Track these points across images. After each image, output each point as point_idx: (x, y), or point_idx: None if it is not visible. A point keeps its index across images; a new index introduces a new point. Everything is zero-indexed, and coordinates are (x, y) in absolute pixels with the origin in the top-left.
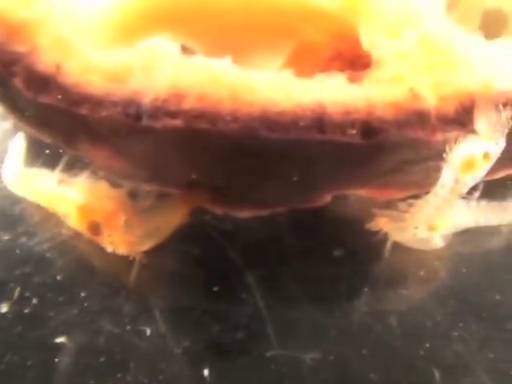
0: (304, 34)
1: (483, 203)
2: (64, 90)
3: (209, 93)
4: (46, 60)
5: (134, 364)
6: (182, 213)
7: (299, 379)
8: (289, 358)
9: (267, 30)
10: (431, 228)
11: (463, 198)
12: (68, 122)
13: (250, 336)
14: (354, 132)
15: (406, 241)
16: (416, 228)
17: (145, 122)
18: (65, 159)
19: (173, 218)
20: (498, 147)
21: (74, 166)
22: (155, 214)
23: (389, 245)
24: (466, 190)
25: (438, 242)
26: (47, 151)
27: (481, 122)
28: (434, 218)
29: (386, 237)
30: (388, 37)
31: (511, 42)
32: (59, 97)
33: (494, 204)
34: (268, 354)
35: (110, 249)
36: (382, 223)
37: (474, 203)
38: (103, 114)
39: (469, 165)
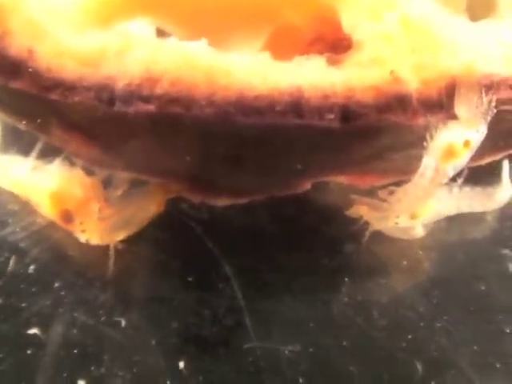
0: (284, 16)
1: (466, 189)
2: (36, 74)
3: (183, 77)
4: (17, 44)
5: (108, 356)
6: (157, 202)
7: (278, 372)
8: (267, 351)
9: (246, 14)
10: (413, 216)
11: (446, 184)
12: (40, 108)
13: (227, 328)
14: (332, 116)
15: (387, 230)
16: (397, 217)
17: (118, 107)
18: (39, 146)
19: (148, 207)
20: (479, 134)
21: (48, 153)
22: (130, 203)
23: (368, 233)
24: (446, 179)
25: (419, 230)
26: (22, 138)
27: (461, 108)
28: (415, 207)
29: (366, 225)
30: (369, 19)
31: (496, 24)
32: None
33: (478, 190)
34: (245, 346)
35: (82, 238)
36: (361, 211)
37: (456, 189)
38: (75, 99)
39: (449, 153)
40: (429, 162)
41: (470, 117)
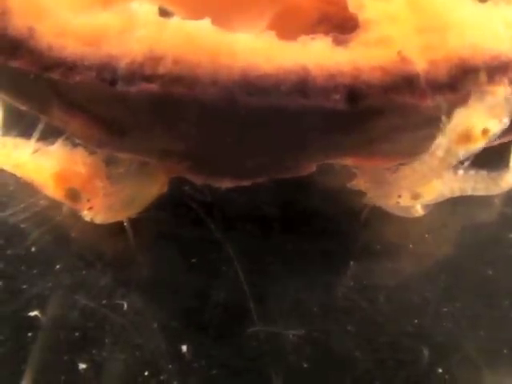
0: None
1: (471, 172)
2: (36, 53)
3: (186, 56)
4: (17, 23)
5: (109, 339)
6: (160, 182)
7: (281, 356)
8: (270, 335)
9: None
10: (415, 196)
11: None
12: (41, 88)
13: (230, 311)
14: (338, 97)
15: (387, 207)
16: (399, 197)
17: (120, 87)
18: (40, 127)
19: (151, 188)
20: (500, 125)
21: (50, 134)
22: (132, 183)
23: (369, 209)
24: (456, 161)
25: (419, 209)
26: (23, 119)
27: (479, 96)
28: (419, 186)
29: (370, 205)
30: None
31: (504, 5)
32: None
33: (483, 174)
34: (249, 331)
35: (88, 217)
36: (363, 185)
37: (461, 172)
38: (77, 79)
39: (465, 137)
40: (442, 142)
41: (493, 105)
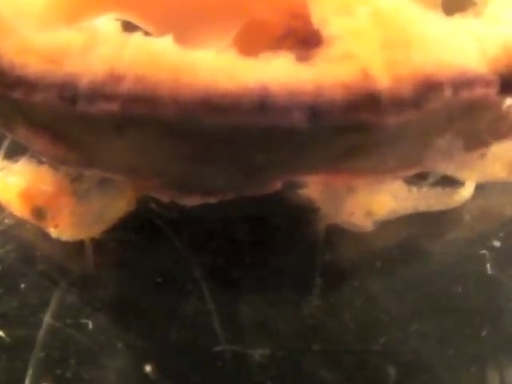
0: (254, 11)
1: (425, 189)
2: None
3: (148, 74)
4: None
5: (74, 359)
6: (128, 199)
7: (247, 376)
8: (236, 354)
9: (215, 8)
10: (368, 214)
11: (405, 182)
12: (5, 106)
13: (196, 330)
14: (299, 115)
15: (340, 222)
16: (352, 214)
17: (80, 106)
18: (6, 145)
19: (118, 204)
20: None
21: (16, 151)
22: (98, 199)
23: (327, 226)
24: None
25: (368, 224)
26: None
27: None
28: (372, 204)
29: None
30: (339, 13)
31: (472, 19)
32: None
33: (438, 190)
34: (214, 350)
35: (54, 234)
36: (314, 194)
37: (415, 189)
38: (38, 98)
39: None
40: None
41: None
